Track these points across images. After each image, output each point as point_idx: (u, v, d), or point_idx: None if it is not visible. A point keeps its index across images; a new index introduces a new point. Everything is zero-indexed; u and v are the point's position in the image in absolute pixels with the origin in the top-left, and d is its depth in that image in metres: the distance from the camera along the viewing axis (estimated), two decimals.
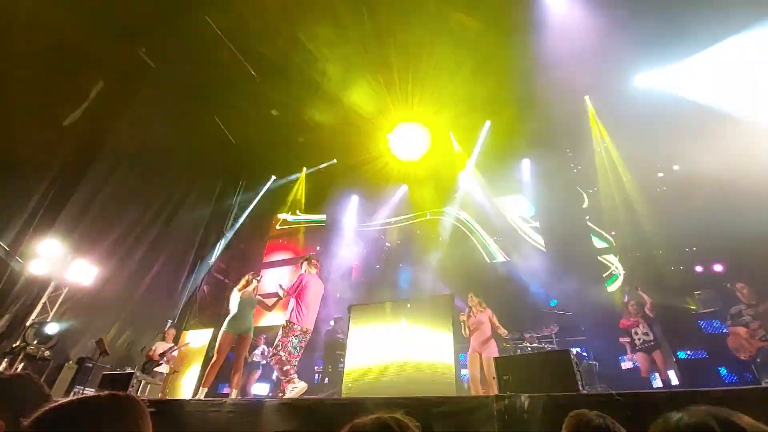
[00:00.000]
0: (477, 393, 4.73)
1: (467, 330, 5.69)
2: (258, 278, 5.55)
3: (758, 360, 5.12)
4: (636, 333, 6.31)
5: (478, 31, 8.44)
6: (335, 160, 12.64)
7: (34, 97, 7.61)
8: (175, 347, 8.05)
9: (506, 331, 5.40)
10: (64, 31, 7.77)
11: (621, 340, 6.58)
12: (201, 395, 4.79)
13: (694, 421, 0.85)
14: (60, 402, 0.94)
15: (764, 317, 5.11)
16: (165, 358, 7.71)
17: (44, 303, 7.39)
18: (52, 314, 7.41)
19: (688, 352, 6.56)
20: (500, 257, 10.20)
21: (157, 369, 7.58)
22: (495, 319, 5.44)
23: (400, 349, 7.58)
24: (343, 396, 6.31)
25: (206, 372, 4.93)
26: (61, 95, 8.06)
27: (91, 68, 8.46)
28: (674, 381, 6.16)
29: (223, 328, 5.11)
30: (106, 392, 1.02)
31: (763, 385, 4.77)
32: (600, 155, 9.73)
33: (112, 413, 0.97)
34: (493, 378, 4.79)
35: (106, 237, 8.59)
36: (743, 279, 5.65)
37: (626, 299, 6.78)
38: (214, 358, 4.94)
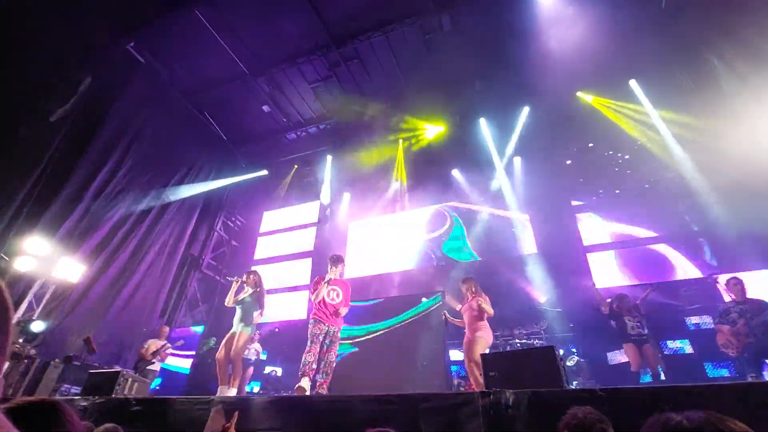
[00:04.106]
0: (476, 379, 4.60)
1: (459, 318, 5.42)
2: (235, 279, 5.83)
3: (746, 356, 5.06)
4: (629, 321, 5.97)
5: None
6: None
7: (20, 93, 7.46)
8: (168, 345, 7.94)
9: (491, 310, 5.02)
10: (51, 25, 7.63)
11: (602, 308, 6.19)
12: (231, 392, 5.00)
13: (693, 427, 0.84)
14: None
15: (751, 314, 5.06)
16: (158, 357, 7.61)
17: (30, 301, 7.27)
18: (38, 312, 7.29)
19: (674, 347, 6.66)
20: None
21: (150, 367, 7.48)
22: (484, 304, 5.03)
23: (388, 345, 7.63)
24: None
25: (217, 370, 5.22)
26: (49, 91, 7.92)
27: (79, 63, 8.32)
28: (660, 376, 6.23)
29: None
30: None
31: (749, 379, 4.81)
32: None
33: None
34: (470, 361, 4.75)
35: (94, 234, 8.47)
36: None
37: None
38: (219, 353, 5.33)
